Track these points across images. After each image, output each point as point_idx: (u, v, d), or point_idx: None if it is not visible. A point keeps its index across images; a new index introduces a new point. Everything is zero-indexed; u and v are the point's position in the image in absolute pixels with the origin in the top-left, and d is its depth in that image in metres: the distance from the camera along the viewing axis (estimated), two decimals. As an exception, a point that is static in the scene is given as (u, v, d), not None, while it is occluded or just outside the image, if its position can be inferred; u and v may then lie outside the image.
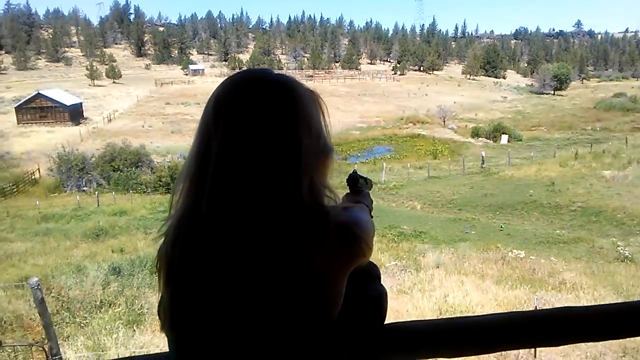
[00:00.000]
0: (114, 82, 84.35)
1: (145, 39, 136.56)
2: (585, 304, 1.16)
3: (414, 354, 1.06)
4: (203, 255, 0.73)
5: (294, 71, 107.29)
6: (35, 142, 41.73)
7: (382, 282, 0.96)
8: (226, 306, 0.72)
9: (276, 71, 0.80)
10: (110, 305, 6.99)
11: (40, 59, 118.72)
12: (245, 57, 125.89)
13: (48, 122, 49.92)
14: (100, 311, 6.76)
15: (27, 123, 49.51)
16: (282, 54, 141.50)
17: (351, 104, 66.35)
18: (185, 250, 0.74)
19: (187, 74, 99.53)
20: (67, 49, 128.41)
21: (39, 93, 51.79)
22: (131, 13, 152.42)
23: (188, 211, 0.75)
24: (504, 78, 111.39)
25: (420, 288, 8.72)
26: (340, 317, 0.87)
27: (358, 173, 1.18)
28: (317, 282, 0.72)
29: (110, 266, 9.01)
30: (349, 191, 1.28)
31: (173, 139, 45.41)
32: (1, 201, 28.05)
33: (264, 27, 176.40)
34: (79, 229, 17.24)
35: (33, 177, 33.95)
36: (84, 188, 30.16)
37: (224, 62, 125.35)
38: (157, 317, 0.80)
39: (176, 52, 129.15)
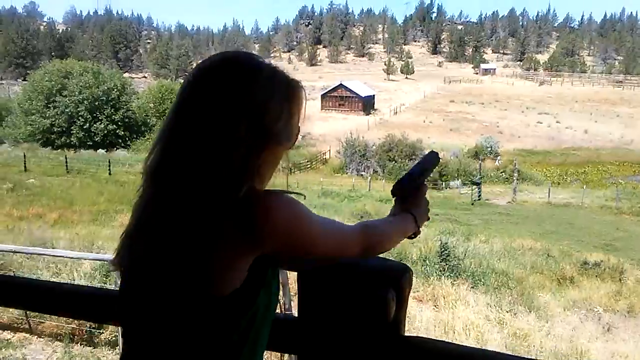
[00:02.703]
0: (406, 77, 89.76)
1: (442, 37, 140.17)
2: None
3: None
4: (144, 201, 0.82)
5: (600, 75, 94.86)
6: (331, 127, 47.73)
7: (398, 287, 0.90)
8: (145, 247, 0.79)
9: (267, 60, 0.84)
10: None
11: (349, 54, 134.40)
12: (543, 57, 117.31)
13: (344, 110, 56.48)
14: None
15: (328, 109, 56.85)
16: (589, 55, 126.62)
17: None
18: (140, 192, 0.84)
19: (477, 73, 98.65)
20: (372, 45, 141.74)
21: (341, 83, 59.00)
22: (433, 12, 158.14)
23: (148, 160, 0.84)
24: None
25: None
26: (338, 313, 0.90)
27: (413, 179, 1.00)
28: (203, 255, 0.74)
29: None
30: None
31: (450, 136, 45.93)
32: (296, 173, 33.28)
33: (571, 25, 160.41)
34: (348, 208, 19.27)
35: (324, 157, 39.17)
36: (362, 172, 33.38)
37: (518, 62, 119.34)
38: None
39: (470, 50, 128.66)
